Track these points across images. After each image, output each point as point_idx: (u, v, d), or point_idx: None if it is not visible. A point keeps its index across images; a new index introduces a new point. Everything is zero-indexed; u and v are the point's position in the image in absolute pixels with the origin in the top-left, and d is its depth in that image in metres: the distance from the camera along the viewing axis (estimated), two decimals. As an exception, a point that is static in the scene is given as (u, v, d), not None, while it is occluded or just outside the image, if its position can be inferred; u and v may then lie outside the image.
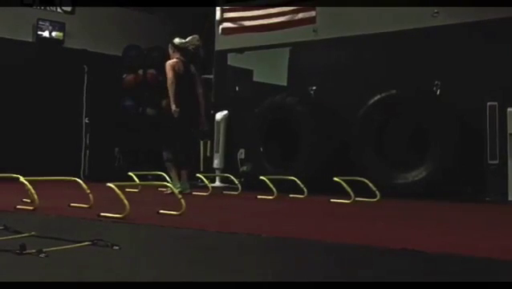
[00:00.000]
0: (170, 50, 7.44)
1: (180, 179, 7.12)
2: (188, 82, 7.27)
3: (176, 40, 7.45)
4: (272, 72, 8.99)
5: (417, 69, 7.25)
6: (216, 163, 8.86)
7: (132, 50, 10.67)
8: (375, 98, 7.21)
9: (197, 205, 5.50)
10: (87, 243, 2.85)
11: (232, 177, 7.61)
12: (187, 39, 7.46)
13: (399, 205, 6.12)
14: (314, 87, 8.08)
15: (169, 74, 7.22)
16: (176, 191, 4.60)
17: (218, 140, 8.89)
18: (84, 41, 10.24)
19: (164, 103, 9.83)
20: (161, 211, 4.42)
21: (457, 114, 6.83)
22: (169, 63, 7.25)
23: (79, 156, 10.22)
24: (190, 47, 7.39)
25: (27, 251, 2.55)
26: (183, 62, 7.28)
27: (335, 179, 6.19)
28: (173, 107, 7.10)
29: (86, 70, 10.32)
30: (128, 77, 10.57)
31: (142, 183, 6.79)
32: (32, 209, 4.54)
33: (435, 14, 7.13)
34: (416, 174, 6.86)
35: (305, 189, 6.73)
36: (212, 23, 9.21)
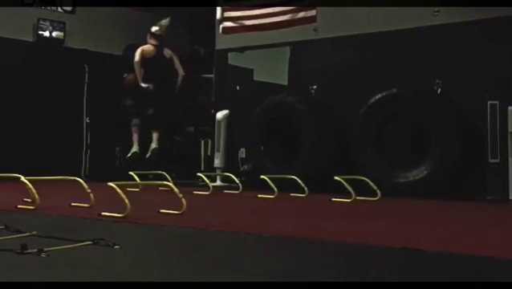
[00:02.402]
0: (147, 37, 8.06)
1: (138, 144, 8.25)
2: (159, 64, 8.18)
3: (153, 28, 8.08)
4: (273, 71, 8.99)
5: (418, 68, 7.25)
6: (216, 162, 8.86)
7: (133, 49, 10.67)
8: (376, 97, 7.21)
9: (197, 204, 5.50)
10: (88, 243, 2.85)
11: (233, 176, 7.62)
12: (156, 28, 8.12)
13: (399, 204, 6.12)
14: (314, 86, 8.08)
15: (136, 56, 8.28)
16: (176, 190, 4.60)
17: (219, 140, 8.89)
18: (85, 40, 10.24)
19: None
20: (162, 210, 4.42)
21: (457, 113, 6.83)
22: (140, 48, 8.00)
23: (79, 156, 10.21)
24: (158, 32, 8.09)
25: (28, 251, 2.55)
26: (155, 46, 7.84)
27: (336, 178, 6.20)
28: (141, 84, 8.28)
29: (86, 69, 10.32)
30: (129, 76, 10.56)
31: (143, 182, 6.80)
32: (33, 209, 4.54)
33: (435, 13, 7.13)
34: (417, 173, 6.86)
35: (306, 188, 6.73)
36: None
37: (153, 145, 8.08)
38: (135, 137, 8.10)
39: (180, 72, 8.40)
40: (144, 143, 8.83)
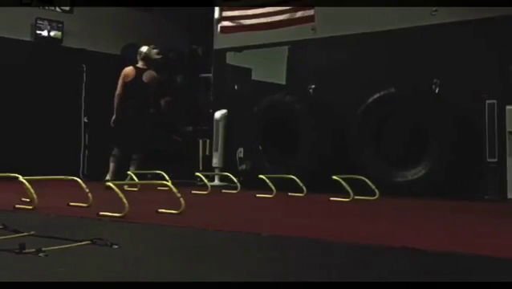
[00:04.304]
0: (137, 57, 8.07)
1: (113, 174, 7.88)
2: (134, 87, 8.01)
3: (143, 49, 8.05)
4: (271, 71, 8.99)
5: (416, 67, 7.25)
6: (215, 162, 8.86)
7: (131, 49, 10.66)
8: (374, 96, 7.21)
9: (196, 203, 5.50)
10: (86, 242, 2.85)
11: (231, 176, 7.62)
12: (144, 49, 8.00)
13: (398, 204, 6.12)
14: (313, 86, 8.08)
15: (118, 86, 8.14)
16: (175, 190, 4.60)
17: (217, 139, 8.89)
18: (83, 40, 10.22)
19: (162, 102, 9.90)
20: (160, 210, 4.42)
21: (455, 112, 6.83)
22: (123, 71, 7.92)
23: (78, 156, 10.20)
24: (142, 55, 8.00)
25: (27, 250, 2.55)
26: (137, 69, 8.08)
27: (334, 177, 6.20)
28: (114, 117, 8.07)
29: (85, 69, 10.31)
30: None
31: (141, 182, 6.80)
32: (31, 209, 4.54)
33: (434, 13, 7.13)
34: (415, 172, 6.86)
35: (304, 188, 6.73)
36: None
37: (108, 176, 7.92)
38: (111, 166, 8.06)
39: (152, 99, 8.30)
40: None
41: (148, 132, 8.41)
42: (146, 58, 8.15)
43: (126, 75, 8.16)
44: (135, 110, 8.07)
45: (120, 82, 8.14)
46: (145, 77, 8.08)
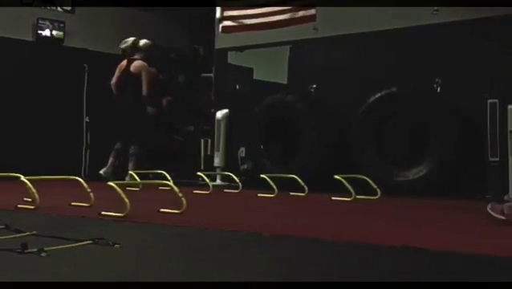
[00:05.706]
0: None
1: (109, 168, 8.25)
2: (125, 78, 8.42)
3: (142, 41, 8.22)
4: (272, 70, 8.99)
5: (417, 67, 7.25)
6: (216, 161, 8.86)
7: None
8: (376, 96, 7.21)
9: (197, 203, 5.50)
10: (88, 242, 2.85)
11: (232, 176, 7.62)
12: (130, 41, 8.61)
13: (399, 203, 6.12)
14: (314, 85, 8.08)
15: (114, 76, 8.55)
16: (176, 189, 4.61)
17: (219, 139, 8.89)
18: (84, 40, 10.23)
19: (164, 101, 9.90)
20: (162, 210, 4.43)
21: (457, 112, 6.83)
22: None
23: (79, 155, 10.21)
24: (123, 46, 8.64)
25: (28, 250, 2.55)
26: (129, 60, 8.45)
27: (336, 177, 6.20)
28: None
29: (86, 69, 10.32)
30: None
31: (143, 182, 6.81)
32: (33, 209, 4.55)
33: (435, 12, 7.13)
34: (417, 172, 6.86)
35: (306, 187, 6.73)
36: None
37: (101, 171, 8.17)
38: (110, 160, 8.27)
39: (144, 90, 8.41)
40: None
41: (143, 121, 8.51)
42: (134, 49, 8.45)
43: (119, 68, 8.47)
44: (126, 99, 8.29)
45: (116, 74, 8.46)
46: (132, 66, 8.32)
